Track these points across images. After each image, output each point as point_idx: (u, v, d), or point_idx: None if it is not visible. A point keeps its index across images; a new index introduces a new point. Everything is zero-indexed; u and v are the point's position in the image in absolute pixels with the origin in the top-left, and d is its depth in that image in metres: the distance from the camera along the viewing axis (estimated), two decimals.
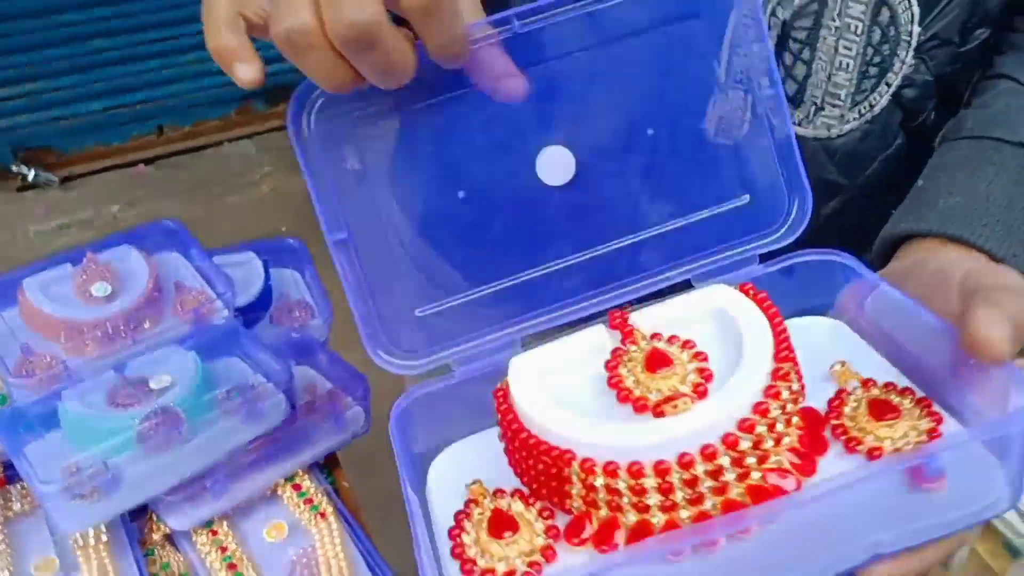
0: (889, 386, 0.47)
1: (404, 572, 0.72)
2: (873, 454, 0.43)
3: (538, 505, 0.45)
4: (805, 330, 0.51)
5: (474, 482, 0.47)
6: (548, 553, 0.43)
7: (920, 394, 0.46)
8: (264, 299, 0.91)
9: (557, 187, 0.46)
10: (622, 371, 0.44)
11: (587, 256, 0.49)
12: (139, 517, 0.74)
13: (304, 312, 0.90)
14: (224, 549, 0.70)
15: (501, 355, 0.48)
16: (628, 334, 0.46)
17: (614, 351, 0.45)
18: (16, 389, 0.71)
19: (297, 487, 0.75)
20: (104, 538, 0.69)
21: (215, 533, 0.71)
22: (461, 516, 0.46)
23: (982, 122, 0.51)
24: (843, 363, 0.49)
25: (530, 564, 0.43)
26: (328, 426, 0.77)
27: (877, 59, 0.53)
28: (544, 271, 0.49)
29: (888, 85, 0.54)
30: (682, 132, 0.46)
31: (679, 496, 0.39)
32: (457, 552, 0.44)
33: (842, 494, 0.37)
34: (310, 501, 0.74)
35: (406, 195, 0.46)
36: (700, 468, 0.39)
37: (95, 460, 0.64)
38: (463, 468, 0.49)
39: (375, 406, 0.82)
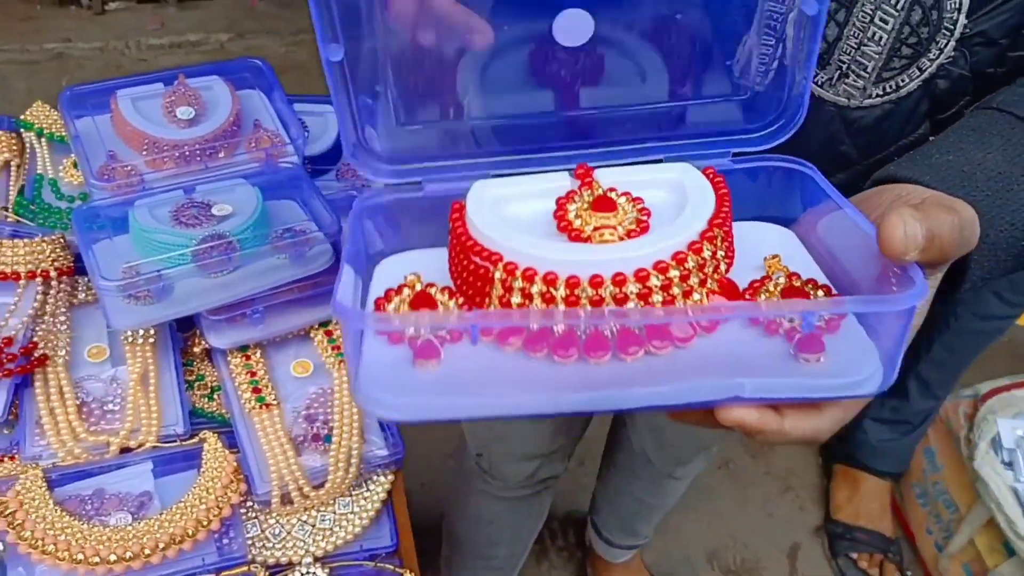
0: (811, 282, 0.47)
1: (406, 433, 0.77)
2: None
3: (460, 300, 0.47)
4: (757, 231, 0.52)
5: (413, 274, 0.48)
6: (455, 333, 0.44)
7: (836, 292, 0.47)
8: (334, 153, 0.95)
9: (567, 47, 0.47)
10: (569, 207, 0.47)
11: (575, 114, 0.50)
12: (186, 331, 0.81)
13: None
14: (253, 373, 0.77)
15: (469, 182, 0.49)
16: (587, 184, 0.48)
17: (569, 192, 0.48)
18: (96, 190, 0.77)
19: (328, 333, 0.81)
20: (152, 340, 0.76)
21: (248, 358, 0.78)
22: (391, 291, 0.47)
23: (1010, 97, 0.49)
24: (776, 256, 0.49)
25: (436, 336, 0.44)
26: None
27: (912, 40, 0.51)
28: (532, 118, 0.50)
29: (920, 70, 0.52)
30: (701, 26, 0.46)
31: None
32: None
33: (724, 342, 0.41)
34: (338, 348, 0.80)
35: (408, 22, 0.46)
36: (607, 291, 0.42)
37: (152, 268, 0.70)
38: (408, 269, 0.49)
39: None
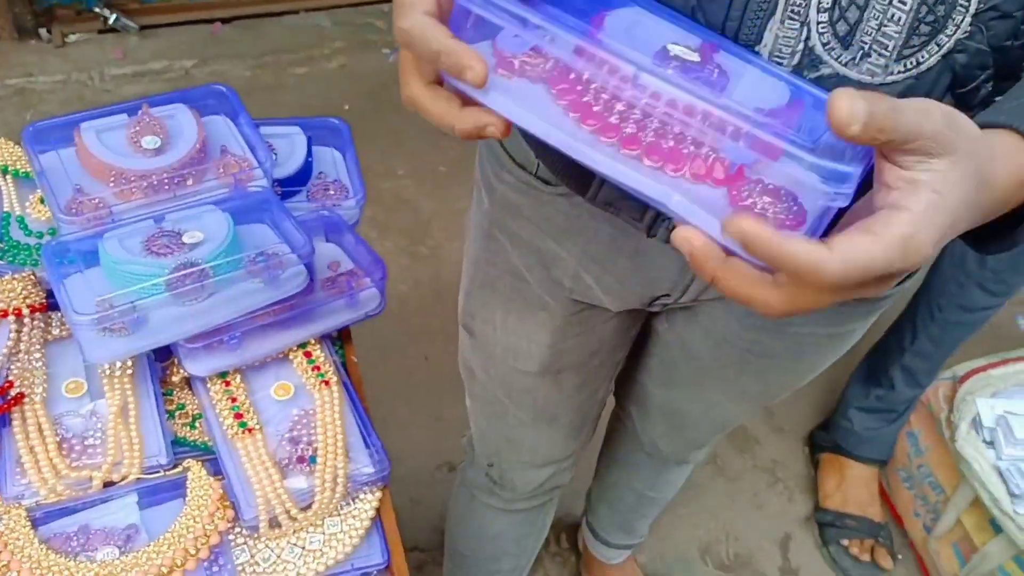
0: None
1: (392, 449, 0.78)
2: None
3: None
4: None
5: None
6: (532, 73, 0.52)
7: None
8: (303, 174, 0.95)
9: None
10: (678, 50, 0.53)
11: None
12: (164, 360, 0.80)
13: (339, 192, 0.94)
14: (234, 399, 0.76)
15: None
16: (705, 59, 0.52)
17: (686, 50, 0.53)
18: (65, 224, 0.76)
19: (308, 354, 0.81)
20: (129, 371, 0.76)
21: (228, 384, 0.77)
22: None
23: None
24: None
25: None
26: (344, 302, 0.82)
27: (930, 18, 0.53)
28: None
29: (939, 46, 0.54)
30: None
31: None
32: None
33: (701, 189, 0.48)
34: (317, 368, 0.80)
35: None
36: (645, 95, 0.48)
37: (126, 299, 0.70)
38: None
39: (390, 294, 0.86)
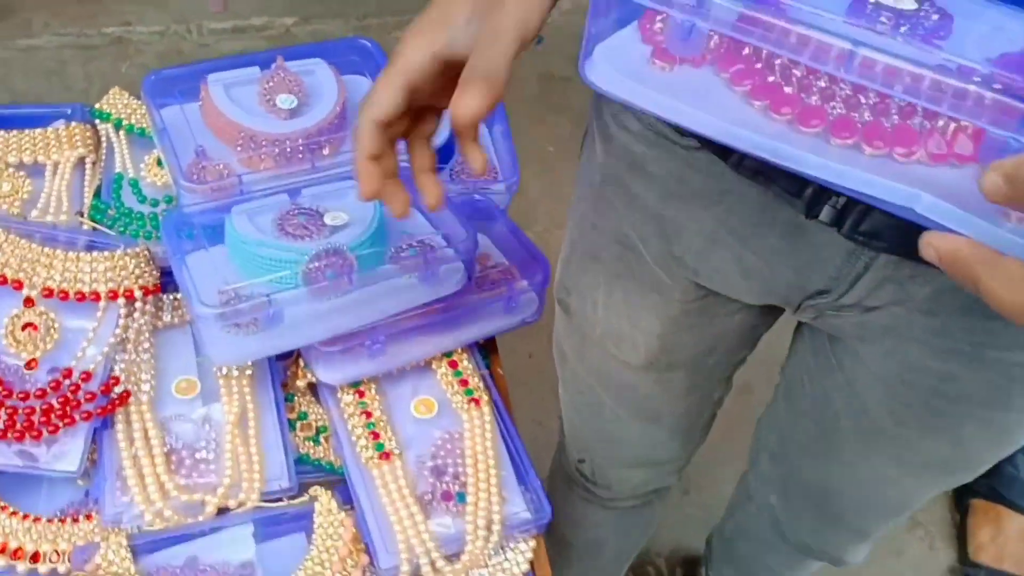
0: None
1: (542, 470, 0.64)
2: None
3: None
4: None
5: None
6: (696, 59, 0.44)
7: None
8: (446, 150, 0.81)
9: None
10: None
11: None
12: (284, 358, 0.68)
13: (487, 173, 0.80)
14: (368, 414, 0.64)
15: None
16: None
17: None
18: (186, 193, 0.65)
19: (453, 364, 0.68)
20: (248, 372, 0.64)
21: (361, 395, 0.65)
22: None
23: None
24: None
25: None
26: (500, 306, 0.69)
27: None
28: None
29: None
30: None
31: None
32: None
33: (943, 174, 0.38)
34: (464, 383, 0.67)
35: None
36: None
37: (258, 291, 0.58)
38: None
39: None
